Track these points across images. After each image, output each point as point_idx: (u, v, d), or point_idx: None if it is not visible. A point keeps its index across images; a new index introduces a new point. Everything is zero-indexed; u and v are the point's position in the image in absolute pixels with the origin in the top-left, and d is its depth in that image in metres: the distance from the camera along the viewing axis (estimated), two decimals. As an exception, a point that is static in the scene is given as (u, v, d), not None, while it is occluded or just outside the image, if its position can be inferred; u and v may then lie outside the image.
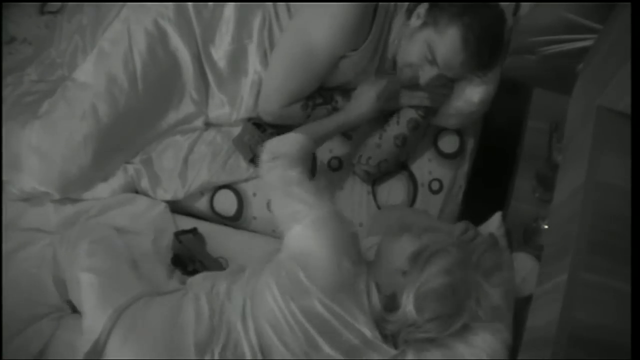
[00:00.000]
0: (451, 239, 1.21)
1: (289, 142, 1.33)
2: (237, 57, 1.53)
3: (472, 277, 1.16)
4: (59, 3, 1.68)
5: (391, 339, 1.19)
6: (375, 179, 1.60)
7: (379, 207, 1.59)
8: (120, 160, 1.52)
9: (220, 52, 1.52)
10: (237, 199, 1.58)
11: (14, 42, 1.63)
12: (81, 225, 1.42)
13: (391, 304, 1.16)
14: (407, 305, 1.11)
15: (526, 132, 1.74)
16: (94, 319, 1.18)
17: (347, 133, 1.65)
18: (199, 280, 1.31)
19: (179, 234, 1.45)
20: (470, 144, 1.70)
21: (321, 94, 1.53)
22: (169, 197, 1.53)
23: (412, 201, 1.61)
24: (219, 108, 1.58)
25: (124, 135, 1.49)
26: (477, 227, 1.35)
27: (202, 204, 1.58)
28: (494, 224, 1.47)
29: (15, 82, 1.55)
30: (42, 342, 1.26)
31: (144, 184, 1.52)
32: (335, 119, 1.47)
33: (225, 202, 1.58)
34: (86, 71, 1.47)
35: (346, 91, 1.55)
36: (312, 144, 1.37)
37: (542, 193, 1.61)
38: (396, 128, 1.54)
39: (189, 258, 1.42)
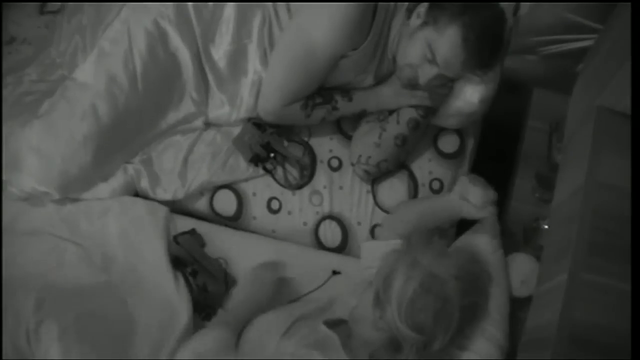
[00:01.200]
0: (388, 258, 1.20)
1: None
2: (237, 57, 1.53)
3: (429, 266, 1.14)
4: (59, 3, 1.67)
5: None
6: (374, 178, 1.60)
7: (378, 206, 1.58)
8: (120, 160, 1.52)
9: (220, 51, 1.52)
10: (237, 199, 1.57)
11: (14, 42, 1.63)
12: (42, 306, 1.20)
13: (395, 346, 1.16)
14: (407, 335, 1.11)
15: (526, 132, 1.75)
16: None
17: (347, 133, 1.65)
18: None
19: (176, 237, 1.45)
20: (470, 144, 1.70)
21: (321, 93, 1.53)
22: (168, 197, 1.53)
23: (412, 201, 1.61)
24: (219, 108, 1.58)
25: (124, 135, 1.49)
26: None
27: (201, 204, 1.58)
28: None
29: (15, 82, 1.55)
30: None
31: (144, 183, 1.52)
32: None
33: (225, 202, 1.58)
34: (86, 71, 1.47)
35: (346, 91, 1.55)
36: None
37: (542, 193, 1.61)
38: (396, 128, 1.54)
39: (187, 259, 1.42)
